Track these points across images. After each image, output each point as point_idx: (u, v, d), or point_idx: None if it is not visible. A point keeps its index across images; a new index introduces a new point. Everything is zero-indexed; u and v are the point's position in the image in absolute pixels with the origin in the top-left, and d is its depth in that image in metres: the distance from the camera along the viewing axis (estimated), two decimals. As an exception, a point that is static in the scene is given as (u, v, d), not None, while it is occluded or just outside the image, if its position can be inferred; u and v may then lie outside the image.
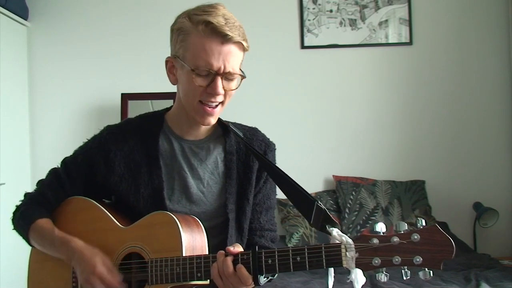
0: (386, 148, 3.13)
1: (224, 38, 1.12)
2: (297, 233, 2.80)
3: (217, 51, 1.13)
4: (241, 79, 1.19)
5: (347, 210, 2.87)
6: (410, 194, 2.95)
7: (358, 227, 2.81)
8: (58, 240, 1.20)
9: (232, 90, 1.19)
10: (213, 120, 1.20)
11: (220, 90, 1.15)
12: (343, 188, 2.95)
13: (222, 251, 1.07)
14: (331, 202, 2.96)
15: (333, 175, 3.05)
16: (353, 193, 2.92)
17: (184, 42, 1.16)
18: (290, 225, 2.86)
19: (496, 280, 2.15)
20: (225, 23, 1.12)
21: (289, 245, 2.76)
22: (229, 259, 1.04)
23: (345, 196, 2.92)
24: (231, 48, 1.14)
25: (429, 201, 2.98)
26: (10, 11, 2.86)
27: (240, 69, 1.19)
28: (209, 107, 1.17)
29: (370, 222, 2.82)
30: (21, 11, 3.01)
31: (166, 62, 1.25)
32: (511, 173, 3.10)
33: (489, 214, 2.93)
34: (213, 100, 1.16)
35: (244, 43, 1.16)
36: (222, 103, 1.19)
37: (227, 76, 1.16)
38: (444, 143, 3.12)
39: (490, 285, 2.08)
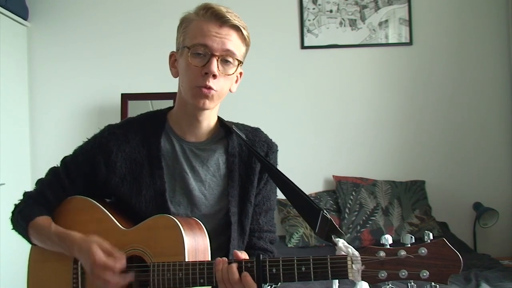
0: (386, 148, 3.13)
1: (222, 20, 1.15)
2: (297, 233, 2.80)
3: (215, 32, 1.15)
4: (238, 65, 1.19)
5: (347, 210, 2.87)
6: (410, 194, 2.95)
7: (358, 227, 2.81)
8: (56, 235, 1.19)
9: (228, 75, 1.18)
10: (208, 103, 1.17)
11: (215, 69, 1.14)
12: (343, 188, 2.95)
13: (224, 259, 1.05)
14: (331, 202, 2.96)
15: (333, 175, 3.05)
16: (353, 193, 2.92)
17: (185, 29, 1.20)
18: (290, 225, 2.86)
19: (496, 280, 2.15)
20: (226, 11, 1.16)
21: (289, 245, 2.76)
22: (234, 266, 1.03)
23: (345, 196, 2.92)
24: (229, 32, 1.16)
25: (429, 201, 2.98)
26: (10, 11, 2.86)
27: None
28: (205, 88, 1.15)
29: (370, 222, 2.82)
30: (21, 11, 3.01)
31: (170, 56, 1.26)
32: (511, 173, 3.10)
33: (489, 214, 2.93)
34: (207, 83, 1.14)
35: (243, 30, 1.18)
36: (218, 91, 1.17)
37: (223, 58, 1.16)
38: (444, 143, 3.12)
39: (490, 285, 2.08)
